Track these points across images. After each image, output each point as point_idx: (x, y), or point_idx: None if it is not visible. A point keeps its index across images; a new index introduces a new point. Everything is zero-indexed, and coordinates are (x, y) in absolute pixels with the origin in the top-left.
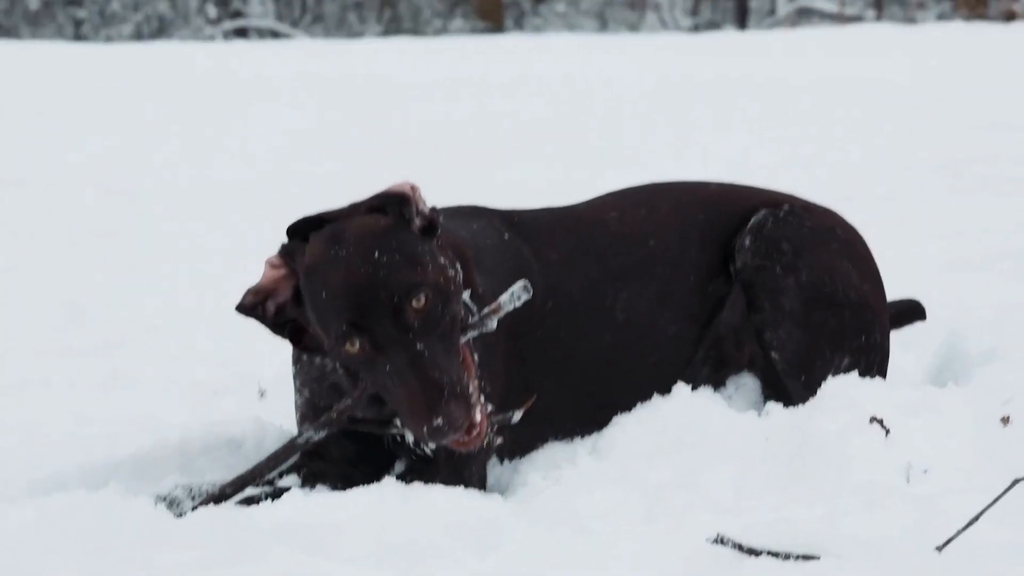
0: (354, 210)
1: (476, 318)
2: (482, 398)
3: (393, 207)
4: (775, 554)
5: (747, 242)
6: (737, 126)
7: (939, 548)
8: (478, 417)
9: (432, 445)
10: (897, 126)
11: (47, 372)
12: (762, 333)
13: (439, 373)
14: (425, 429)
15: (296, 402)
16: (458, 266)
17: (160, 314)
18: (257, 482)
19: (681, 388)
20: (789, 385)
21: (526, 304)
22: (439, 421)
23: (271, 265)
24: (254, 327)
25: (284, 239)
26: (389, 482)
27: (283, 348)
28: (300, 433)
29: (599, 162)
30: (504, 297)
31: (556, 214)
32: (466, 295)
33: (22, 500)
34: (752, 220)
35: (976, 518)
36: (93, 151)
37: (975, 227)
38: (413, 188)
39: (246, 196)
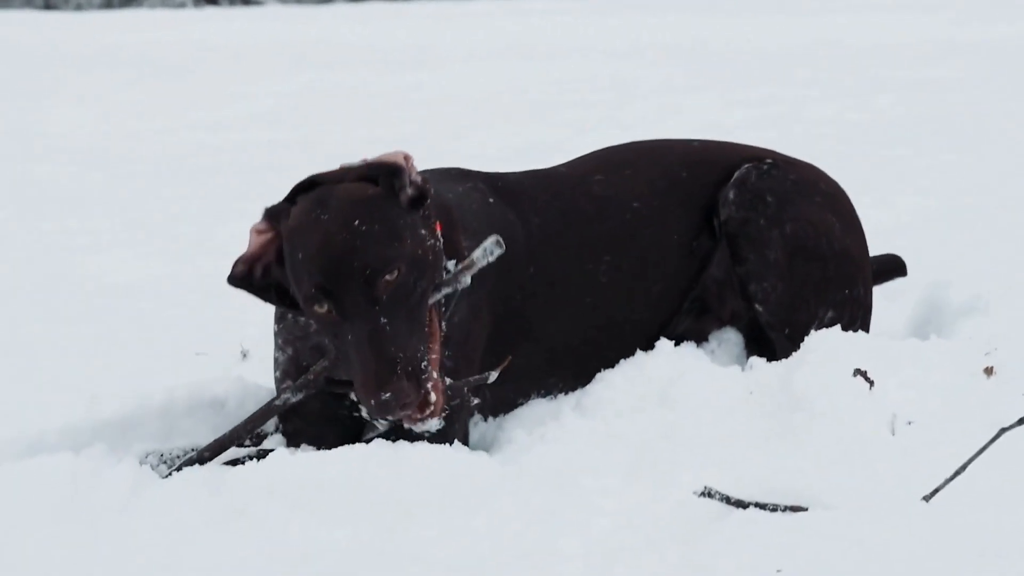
0: (345, 175)
1: (450, 275)
2: (441, 376)
3: (384, 177)
4: (763, 506)
5: (731, 195)
6: (708, 88)
7: (926, 498)
8: (433, 396)
9: (382, 421)
10: (867, 84)
11: (28, 336)
12: (746, 285)
13: (396, 349)
14: (373, 402)
15: (277, 359)
16: (439, 234)
17: (140, 277)
18: (235, 444)
19: (664, 344)
20: (773, 338)
21: (508, 269)
22: (387, 396)
23: (257, 231)
24: (236, 292)
25: (262, 205)
26: (376, 441)
27: (265, 309)
28: (278, 395)
29: (575, 126)
30: (477, 253)
31: (539, 177)
32: (450, 264)
33: (5, 463)
34: (736, 174)
35: (963, 468)
36: (68, 118)
37: (951, 181)
38: (406, 158)
39: (221, 163)
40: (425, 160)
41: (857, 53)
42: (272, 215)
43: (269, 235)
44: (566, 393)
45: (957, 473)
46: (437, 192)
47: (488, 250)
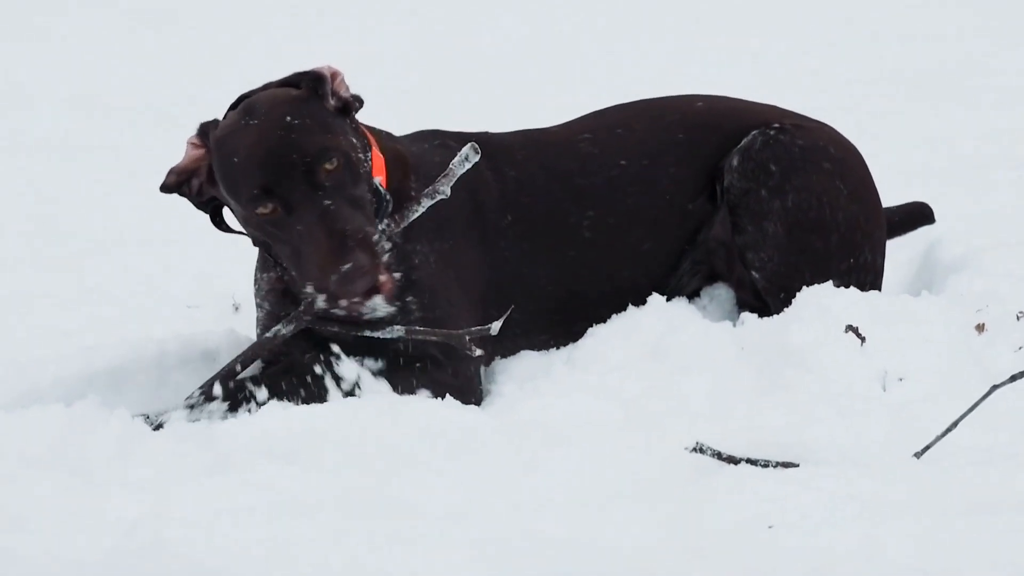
0: (268, 86)
1: (430, 188)
2: (387, 263)
3: (308, 83)
4: (754, 462)
5: (735, 162)
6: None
7: (917, 455)
8: (382, 277)
9: (342, 303)
10: (857, 36)
11: (19, 286)
12: (744, 254)
13: (345, 226)
14: (334, 278)
15: (258, 317)
16: (368, 154)
17: (132, 229)
18: (229, 382)
19: (656, 299)
20: (769, 302)
21: (480, 215)
22: (347, 267)
23: (192, 145)
24: (226, 242)
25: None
26: (368, 395)
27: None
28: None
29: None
30: (455, 161)
31: (523, 136)
32: (378, 180)
33: None
34: (743, 141)
35: (954, 425)
36: (61, 63)
37: (940, 137)
38: (333, 73)
39: (216, 114)
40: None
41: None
42: (204, 130)
43: (201, 151)
44: (558, 348)
45: (948, 430)
46: (397, 146)
47: (464, 155)
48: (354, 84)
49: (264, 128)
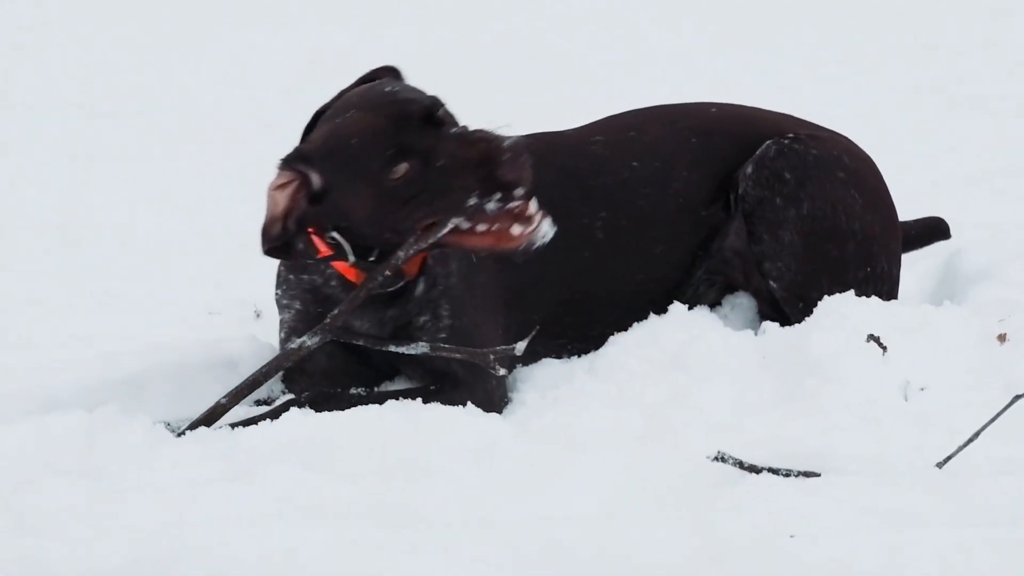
0: (345, 91)
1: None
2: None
3: (385, 73)
4: (776, 471)
5: (750, 170)
6: (699, 37)
7: (939, 465)
8: (533, 208)
9: (515, 230)
10: (880, 45)
11: (40, 294)
12: (762, 263)
13: (477, 131)
14: (501, 169)
15: (283, 319)
16: None
17: (151, 236)
18: (253, 390)
19: (677, 307)
20: (788, 312)
21: None
22: (507, 156)
23: (277, 187)
24: (247, 246)
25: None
26: (389, 402)
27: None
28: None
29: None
30: None
31: (535, 138)
32: None
33: (21, 420)
34: (758, 150)
35: (976, 435)
36: (80, 70)
37: (963, 146)
38: None
39: (236, 119)
40: None
41: (870, 10)
42: (291, 160)
43: (294, 183)
44: (579, 355)
45: (970, 440)
46: None
47: None
48: None
49: (371, 105)
